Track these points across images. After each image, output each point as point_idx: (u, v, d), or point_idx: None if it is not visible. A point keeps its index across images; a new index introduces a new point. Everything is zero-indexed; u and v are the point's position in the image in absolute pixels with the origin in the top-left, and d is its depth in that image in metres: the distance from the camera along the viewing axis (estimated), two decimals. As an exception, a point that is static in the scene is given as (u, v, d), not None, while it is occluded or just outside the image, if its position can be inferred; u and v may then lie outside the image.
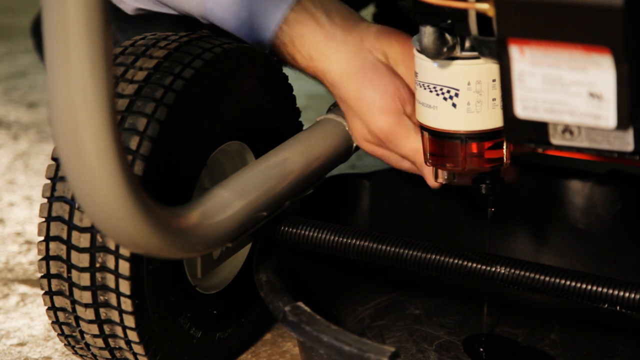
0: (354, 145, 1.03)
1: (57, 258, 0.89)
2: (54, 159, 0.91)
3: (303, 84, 1.14)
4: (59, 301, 0.91)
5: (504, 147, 0.89)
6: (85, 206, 0.73)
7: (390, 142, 0.95)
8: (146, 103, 0.88)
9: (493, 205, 0.96)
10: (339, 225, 0.94)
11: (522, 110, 0.74)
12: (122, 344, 0.91)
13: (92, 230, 0.87)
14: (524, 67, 0.72)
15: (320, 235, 0.94)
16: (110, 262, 0.87)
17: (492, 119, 0.87)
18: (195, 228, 0.83)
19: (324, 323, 0.82)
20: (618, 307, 0.86)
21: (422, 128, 0.90)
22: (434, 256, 0.91)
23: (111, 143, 0.69)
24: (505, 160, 0.89)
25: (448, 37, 0.83)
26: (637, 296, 0.85)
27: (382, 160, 1.00)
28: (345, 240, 0.93)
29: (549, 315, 1.06)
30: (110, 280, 0.87)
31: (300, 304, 0.85)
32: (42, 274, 0.90)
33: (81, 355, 0.96)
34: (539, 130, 0.76)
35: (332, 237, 0.93)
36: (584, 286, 0.87)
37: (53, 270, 0.90)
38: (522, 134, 0.77)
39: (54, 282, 0.90)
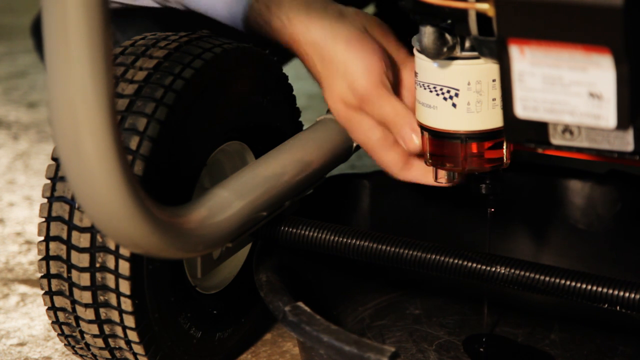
0: (354, 145, 1.03)
1: (57, 258, 0.89)
2: (54, 159, 0.91)
3: (303, 84, 1.14)
4: (59, 301, 0.91)
5: (504, 147, 0.89)
6: (85, 206, 0.73)
7: (371, 101, 0.93)
8: (146, 103, 0.88)
9: (493, 205, 0.96)
10: (339, 225, 0.94)
11: (522, 110, 0.74)
12: (122, 344, 0.91)
13: (92, 230, 0.87)
14: (524, 67, 0.72)
15: (320, 235, 0.94)
16: (110, 262, 0.87)
17: (492, 119, 0.87)
18: (195, 228, 0.83)
19: (324, 323, 0.82)
20: (618, 307, 0.86)
21: (422, 128, 0.90)
22: (434, 256, 0.91)
23: (111, 143, 0.69)
24: (505, 160, 0.90)
25: (448, 37, 0.83)
26: (637, 296, 0.85)
27: (350, 134, 0.97)
28: (345, 240, 0.93)
29: (549, 315, 1.06)
30: (110, 280, 0.87)
31: (300, 304, 0.85)
32: (42, 274, 0.90)
33: (81, 355, 0.96)
34: (539, 130, 0.76)
35: (332, 237, 0.93)
36: (584, 286, 0.87)
37: (53, 270, 0.90)
38: (522, 134, 0.77)
39: (54, 282, 0.90)
